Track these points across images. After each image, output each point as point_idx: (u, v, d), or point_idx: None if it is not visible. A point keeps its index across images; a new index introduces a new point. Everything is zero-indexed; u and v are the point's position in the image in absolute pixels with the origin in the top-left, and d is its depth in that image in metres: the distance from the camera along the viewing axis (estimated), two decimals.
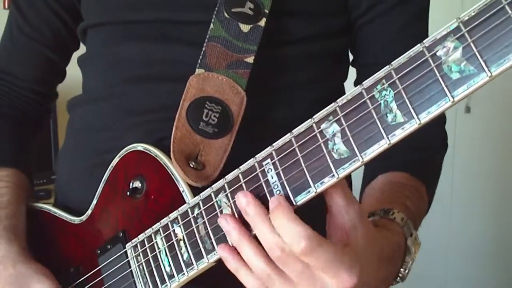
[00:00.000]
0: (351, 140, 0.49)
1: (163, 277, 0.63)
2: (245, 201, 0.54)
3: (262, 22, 0.70)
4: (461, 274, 2.68)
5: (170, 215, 0.63)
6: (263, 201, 0.54)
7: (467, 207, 2.66)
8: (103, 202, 0.74)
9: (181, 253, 0.61)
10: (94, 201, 0.74)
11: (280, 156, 0.53)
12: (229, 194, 0.57)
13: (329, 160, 0.50)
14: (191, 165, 0.66)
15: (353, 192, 0.79)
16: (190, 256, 0.60)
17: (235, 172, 0.57)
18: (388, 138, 0.48)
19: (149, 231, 0.65)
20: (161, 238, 0.63)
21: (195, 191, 0.64)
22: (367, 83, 0.49)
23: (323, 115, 0.51)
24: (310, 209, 0.53)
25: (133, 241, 0.67)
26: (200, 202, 0.59)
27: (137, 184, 0.69)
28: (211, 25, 0.70)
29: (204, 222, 0.59)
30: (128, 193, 0.69)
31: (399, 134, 0.47)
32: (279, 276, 0.54)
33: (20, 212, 0.81)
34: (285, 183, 0.53)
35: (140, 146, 0.70)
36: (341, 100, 0.50)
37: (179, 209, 0.62)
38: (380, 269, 0.57)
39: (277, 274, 0.54)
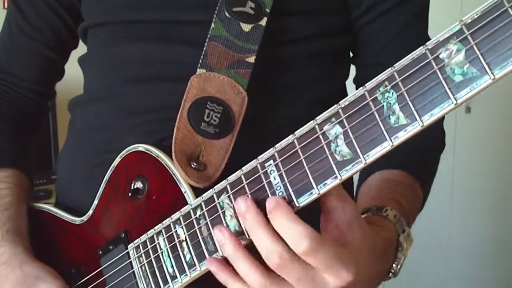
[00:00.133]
0: (353, 142, 0.49)
1: (166, 278, 0.63)
2: (244, 207, 0.53)
3: (263, 22, 0.70)
4: (461, 274, 2.68)
5: (172, 216, 0.62)
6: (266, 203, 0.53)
7: (467, 207, 2.66)
8: (105, 203, 0.73)
9: (183, 254, 0.61)
10: (95, 202, 0.74)
11: (282, 158, 0.53)
12: (231, 196, 0.57)
13: (332, 162, 0.50)
14: (192, 165, 0.66)
15: (354, 192, 0.79)
16: (192, 257, 0.60)
17: (237, 173, 0.57)
18: (391, 140, 0.48)
19: (151, 232, 0.65)
20: (164, 239, 0.63)
21: (197, 192, 0.64)
22: (369, 85, 0.49)
23: (325, 116, 0.51)
24: (304, 209, 0.53)
25: (135, 241, 0.67)
26: (203, 203, 0.59)
27: (139, 184, 0.69)
28: (212, 25, 0.70)
29: (207, 223, 0.59)
30: (129, 193, 0.69)
31: (402, 136, 0.47)
32: (277, 284, 0.53)
33: (22, 213, 0.81)
34: (287, 184, 0.53)
35: (141, 147, 0.70)
36: (343, 102, 0.50)
37: (182, 210, 0.62)
38: (372, 266, 0.57)
39: (274, 283, 0.53)
